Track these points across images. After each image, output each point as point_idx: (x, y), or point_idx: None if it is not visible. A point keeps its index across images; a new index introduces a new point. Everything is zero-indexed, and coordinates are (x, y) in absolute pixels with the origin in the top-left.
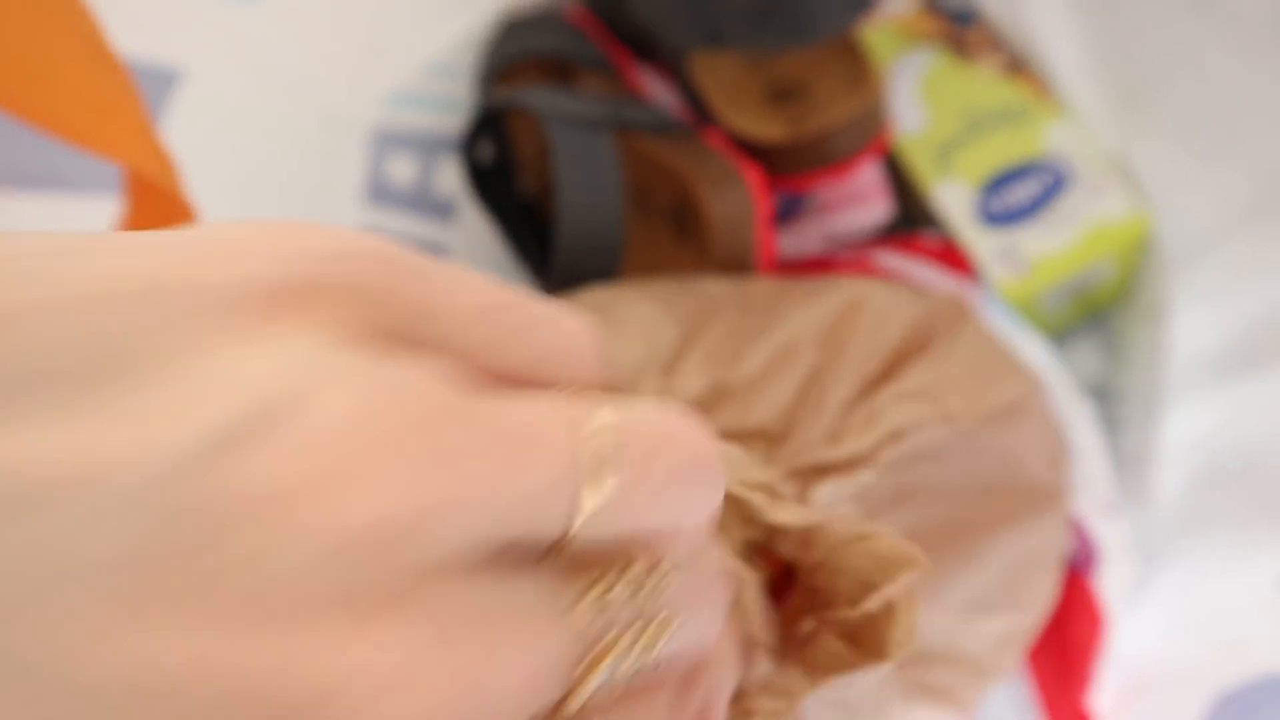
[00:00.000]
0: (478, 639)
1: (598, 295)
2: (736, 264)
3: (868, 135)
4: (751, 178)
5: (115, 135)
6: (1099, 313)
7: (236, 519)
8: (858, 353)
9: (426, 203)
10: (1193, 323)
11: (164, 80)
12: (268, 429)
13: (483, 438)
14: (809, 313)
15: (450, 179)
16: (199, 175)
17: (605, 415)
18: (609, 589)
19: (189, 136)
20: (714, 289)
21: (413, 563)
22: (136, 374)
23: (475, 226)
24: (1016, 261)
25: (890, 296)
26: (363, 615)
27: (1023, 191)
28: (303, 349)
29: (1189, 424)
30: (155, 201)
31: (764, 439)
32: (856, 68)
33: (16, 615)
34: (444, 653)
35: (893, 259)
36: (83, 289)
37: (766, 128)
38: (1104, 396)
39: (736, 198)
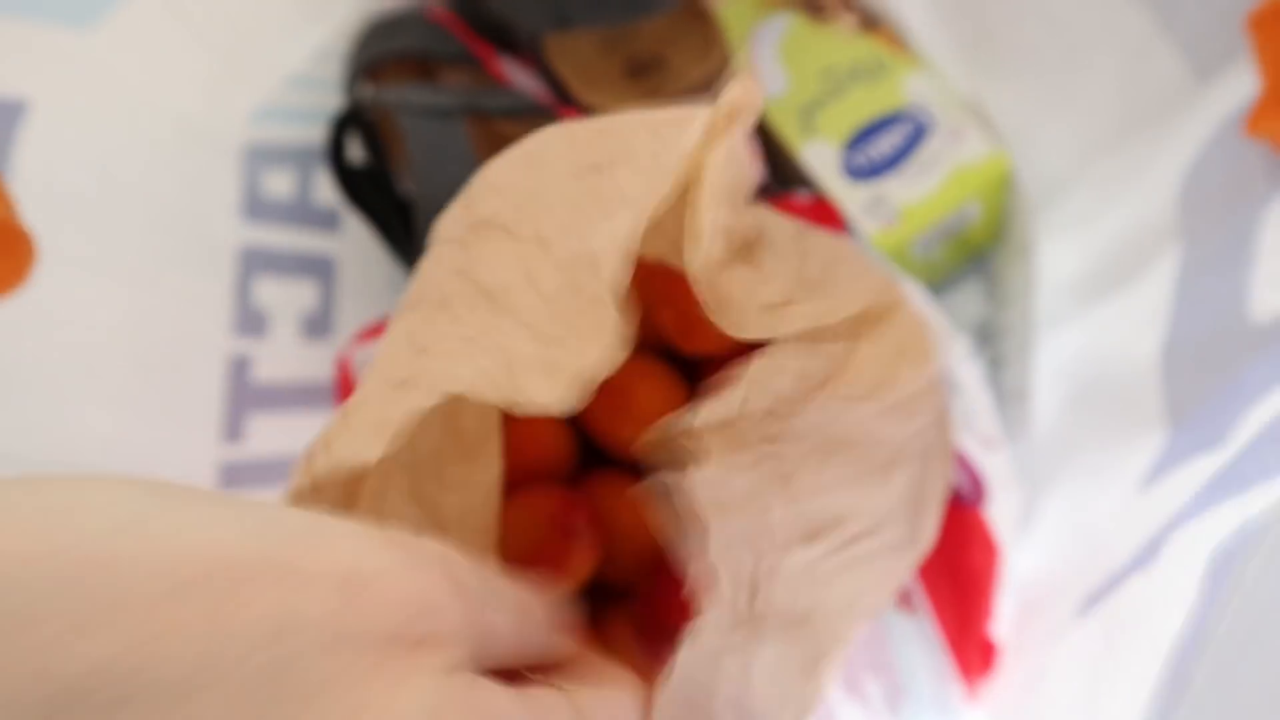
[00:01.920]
0: None
1: None
2: None
3: None
4: None
5: None
6: (979, 255)
7: None
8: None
9: (308, 214)
10: (1056, 254)
11: (9, 114)
12: None
13: None
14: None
15: (330, 190)
16: (62, 205)
17: None
18: None
19: (46, 168)
20: None
21: None
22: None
23: (361, 234)
24: (885, 212)
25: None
26: None
27: (885, 143)
28: (423, 688)
29: (1057, 351)
30: None
31: None
32: (707, 34)
33: None
34: None
35: None
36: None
37: (621, 102)
38: (988, 336)
39: None
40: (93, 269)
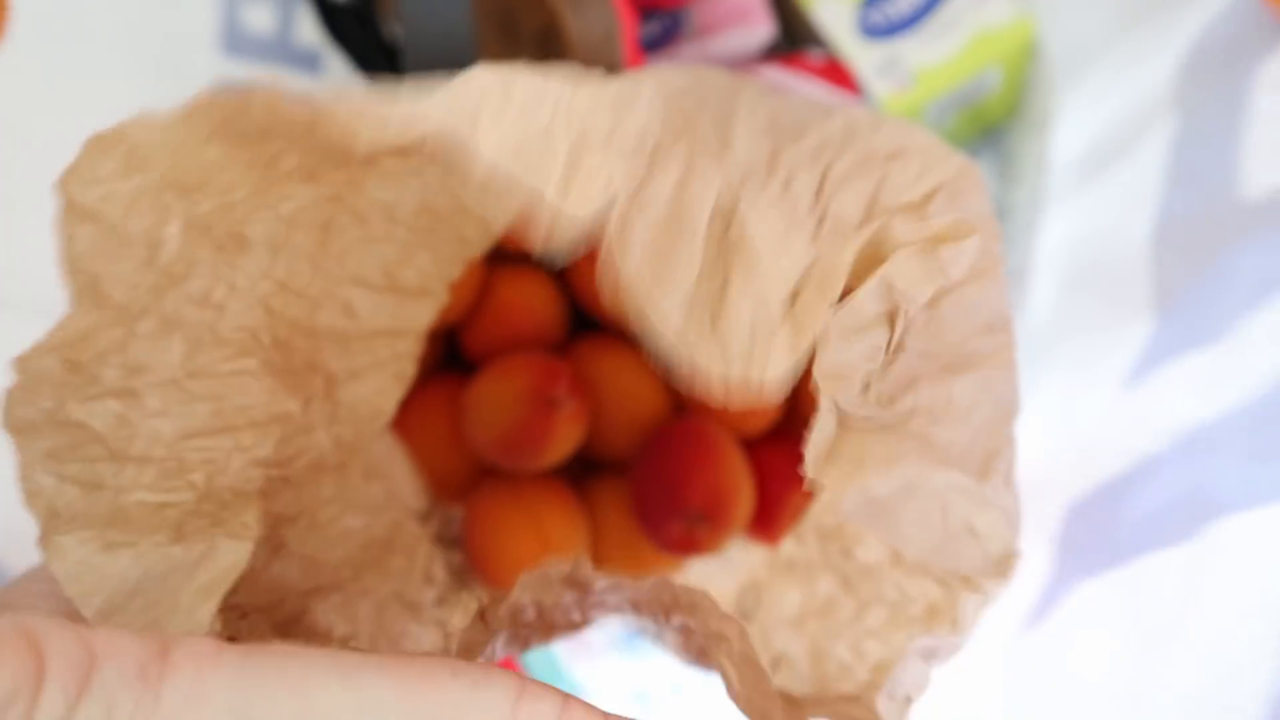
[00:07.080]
0: None
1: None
2: None
3: None
4: None
5: None
6: (993, 129)
7: None
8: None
9: (288, 53)
10: (1070, 131)
11: None
12: None
13: None
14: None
15: (313, 29)
16: (34, 30)
17: None
18: None
19: None
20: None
21: None
22: None
23: (343, 77)
24: (900, 74)
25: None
26: None
27: (904, 1)
28: None
29: (1058, 230)
30: None
31: None
32: None
33: None
34: None
35: (777, 74)
36: None
37: None
38: (999, 215)
39: (599, 14)
40: (64, 90)
